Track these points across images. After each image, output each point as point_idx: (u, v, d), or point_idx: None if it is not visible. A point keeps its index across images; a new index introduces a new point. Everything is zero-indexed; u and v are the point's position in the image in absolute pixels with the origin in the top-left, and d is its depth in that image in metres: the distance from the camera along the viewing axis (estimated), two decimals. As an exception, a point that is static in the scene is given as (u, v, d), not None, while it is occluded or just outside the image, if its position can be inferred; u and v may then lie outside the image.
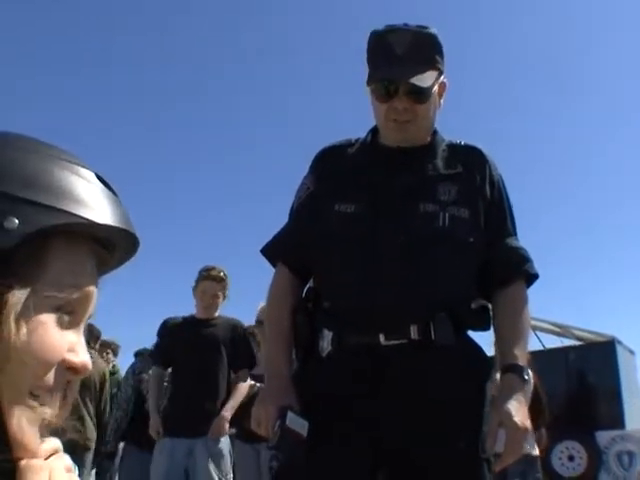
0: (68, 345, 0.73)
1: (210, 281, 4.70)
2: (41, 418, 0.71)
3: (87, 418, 5.81)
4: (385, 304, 2.02)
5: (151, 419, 4.61)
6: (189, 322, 4.79)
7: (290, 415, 1.99)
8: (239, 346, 4.68)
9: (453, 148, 2.25)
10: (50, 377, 0.71)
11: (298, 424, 1.99)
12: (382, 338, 2.01)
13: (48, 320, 0.71)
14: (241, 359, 4.67)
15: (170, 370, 4.76)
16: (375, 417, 1.99)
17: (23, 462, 0.68)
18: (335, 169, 2.26)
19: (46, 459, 0.71)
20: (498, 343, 2.18)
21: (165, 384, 4.86)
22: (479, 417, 2.04)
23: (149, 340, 6.06)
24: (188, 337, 4.65)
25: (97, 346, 6.53)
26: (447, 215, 2.09)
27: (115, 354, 7.78)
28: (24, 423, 0.69)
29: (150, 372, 5.40)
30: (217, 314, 4.80)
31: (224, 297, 4.79)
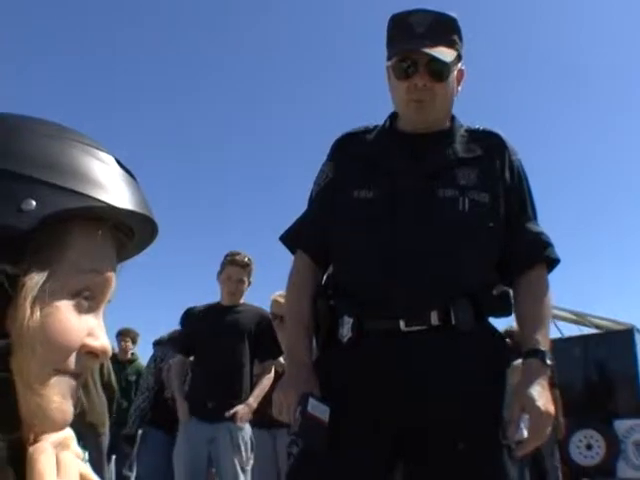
0: (87, 330, 0.73)
1: (235, 266, 4.65)
2: (62, 404, 0.71)
3: (96, 402, 5.83)
4: (405, 290, 2.01)
5: (178, 406, 4.57)
6: (213, 309, 4.75)
7: (311, 401, 1.99)
8: (265, 335, 4.63)
9: (472, 133, 2.24)
10: (71, 362, 0.71)
11: (319, 410, 1.99)
12: (402, 324, 2.01)
13: (66, 305, 0.70)
14: (267, 349, 4.63)
15: (193, 358, 4.71)
16: (395, 403, 1.99)
17: (30, 449, 0.68)
18: (354, 156, 2.25)
19: (55, 447, 0.70)
20: (519, 329, 2.17)
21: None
22: (500, 403, 2.03)
23: (166, 328, 6.07)
24: (212, 324, 4.60)
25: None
26: (467, 200, 2.08)
27: (134, 342, 7.81)
28: (43, 407, 0.68)
29: (171, 360, 5.42)
30: (242, 301, 4.76)
31: (249, 283, 4.74)
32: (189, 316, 4.85)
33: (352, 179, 2.19)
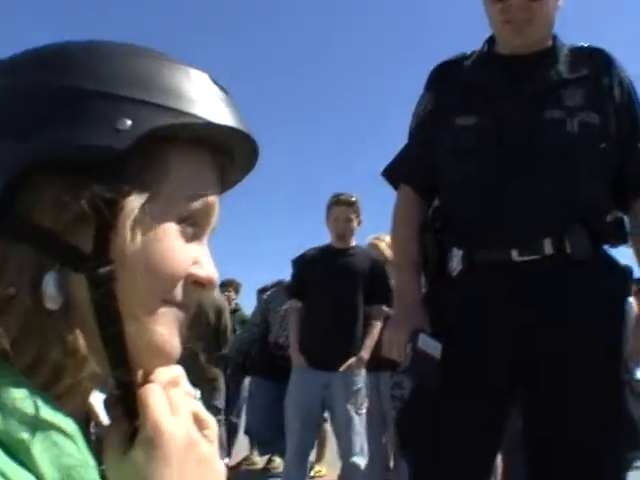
0: (193, 258, 0.70)
1: (341, 206, 4.56)
2: (168, 336, 0.68)
3: (200, 355, 5.95)
4: (516, 218, 1.94)
5: (292, 353, 4.59)
6: (325, 252, 4.67)
7: (422, 337, 1.96)
8: (377, 279, 4.53)
9: (576, 52, 2.13)
10: (177, 292, 0.68)
11: (431, 346, 1.95)
12: (515, 254, 1.94)
13: (170, 230, 0.67)
14: (378, 294, 4.51)
15: (307, 303, 4.62)
16: (510, 335, 1.93)
17: (141, 385, 0.66)
18: (453, 83, 2.17)
19: (165, 386, 0.68)
20: (636, 257, 2.06)
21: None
22: (620, 335, 1.95)
23: (269, 278, 6.11)
24: (325, 268, 4.55)
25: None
26: (575, 121, 1.98)
27: (237, 292, 7.94)
28: (149, 340, 0.66)
29: (282, 307, 5.45)
30: (354, 244, 4.67)
31: (358, 222, 4.64)
32: (302, 259, 4.79)
33: (453, 107, 2.11)
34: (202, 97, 0.69)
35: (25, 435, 0.55)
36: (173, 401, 0.66)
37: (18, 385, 0.58)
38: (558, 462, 1.93)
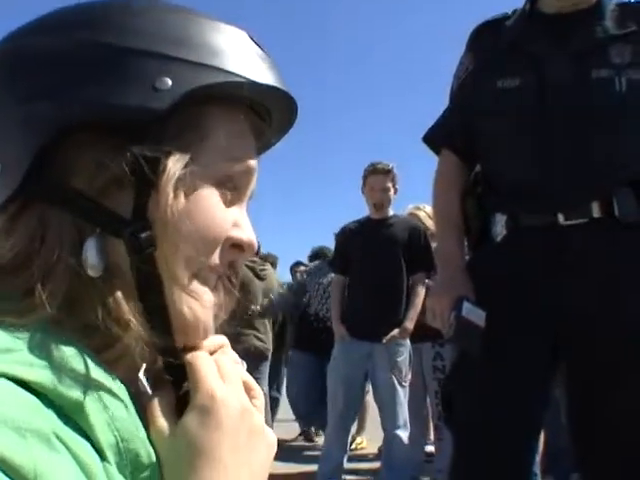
0: (233, 220, 0.69)
1: (377, 175, 4.50)
2: (209, 304, 0.67)
3: (269, 327, 5.98)
4: (563, 180, 1.88)
5: (335, 326, 4.56)
6: (364, 224, 4.63)
7: (466, 305, 1.92)
8: (417, 247, 4.47)
9: (624, 6, 2.04)
10: (216, 256, 0.67)
11: (475, 314, 1.91)
12: (561, 218, 1.89)
13: (210, 193, 0.66)
14: (419, 261, 4.47)
15: (349, 276, 4.61)
16: (556, 301, 1.89)
17: (188, 355, 0.65)
18: (494, 44, 2.10)
19: (211, 354, 0.67)
20: None
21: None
22: None
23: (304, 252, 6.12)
24: (364, 239, 4.51)
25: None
26: (624, 80, 1.91)
27: (274, 266, 7.95)
28: (191, 309, 0.65)
29: (326, 278, 5.44)
30: (392, 213, 4.61)
31: (395, 191, 4.57)
32: (342, 233, 4.76)
33: (495, 68, 2.05)
34: (242, 55, 0.67)
35: (78, 395, 0.54)
36: (222, 368, 0.65)
37: (69, 344, 0.57)
38: (601, 433, 1.89)
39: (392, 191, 4.55)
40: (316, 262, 6.05)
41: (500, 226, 1.98)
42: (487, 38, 2.15)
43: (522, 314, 1.92)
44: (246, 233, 0.69)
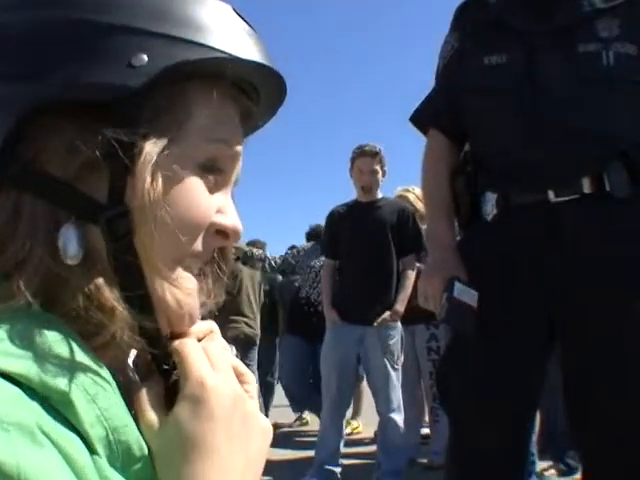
0: (217, 206, 0.65)
1: (365, 157, 4.48)
2: (192, 291, 0.64)
3: (257, 313, 5.97)
4: (552, 156, 1.86)
5: (325, 310, 4.56)
6: (353, 207, 4.61)
7: (458, 286, 1.90)
8: (406, 230, 4.46)
9: None
10: (199, 242, 0.64)
11: (467, 295, 1.89)
12: (552, 195, 1.87)
13: (192, 177, 0.63)
14: (408, 243, 4.47)
15: (339, 260, 4.61)
16: (550, 279, 1.87)
17: (176, 342, 0.63)
18: (479, 21, 2.08)
19: (199, 340, 0.65)
20: None
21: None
22: None
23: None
24: (353, 222, 4.49)
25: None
26: (611, 53, 1.88)
27: (263, 253, 7.94)
28: (174, 296, 0.62)
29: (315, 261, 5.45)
30: (381, 195, 4.60)
31: (383, 173, 4.55)
32: (331, 217, 4.74)
33: (481, 45, 2.02)
34: (225, 30, 0.64)
35: (65, 385, 0.51)
36: (211, 355, 0.63)
37: (54, 329, 0.54)
38: (596, 412, 1.88)
39: (380, 173, 4.53)
40: (311, 243, 6.02)
41: (490, 205, 1.96)
42: (472, 15, 2.12)
43: (515, 293, 1.90)
44: (230, 219, 0.66)
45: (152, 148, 0.59)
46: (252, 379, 0.67)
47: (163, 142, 0.60)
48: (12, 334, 0.52)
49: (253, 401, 0.64)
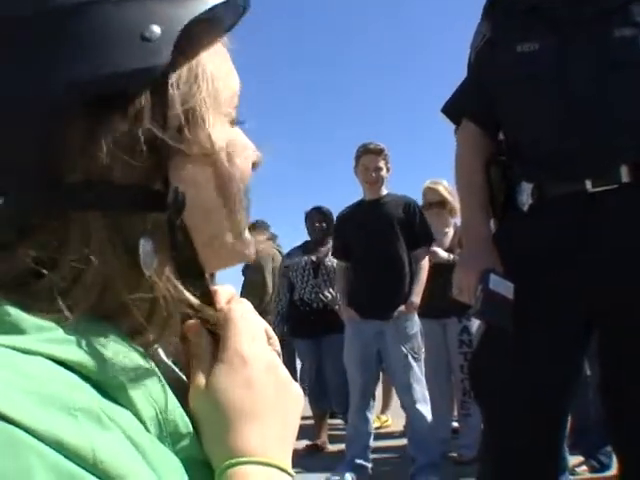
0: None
1: (370, 154, 4.52)
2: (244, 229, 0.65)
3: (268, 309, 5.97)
4: (589, 145, 1.82)
5: (343, 311, 4.62)
6: (359, 207, 4.67)
7: (493, 277, 1.87)
8: (414, 223, 4.49)
9: None
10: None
11: (503, 286, 1.87)
12: (589, 184, 1.83)
13: (231, 132, 0.62)
14: (418, 236, 4.48)
15: (351, 261, 4.63)
16: (588, 272, 1.84)
17: (226, 308, 0.63)
18: (510, 9, 2.04)
19: (228, 302, 0.66)
20: None
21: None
22: None
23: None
24: (361, 221, 4.53)
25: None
26: None
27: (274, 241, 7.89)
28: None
29: (297, 259, 5.49)
30: (386, 192, 4.61)
31: (388, 170, 4.58)
32: (339, 220, 4.83)
33: (512, 33, 1.99)
34: None
35: (115, 370, 0.51)
36: (251, 322, 0.63)
37: (98, 321, 0.54)
38: (633, 405, 1.85)
39: (385, 170, 4.57)
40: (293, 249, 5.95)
41: (526, 195, 1.93)
42: (503, 4, 2.08)
43: (552, 286, 1.87)
44: (256, 151, 0.66)
45: (192, 128, 0.57)
46: (276, 340, 0.67)
47: (196, 111, 0.58)
48: (62, 324, 0.51)
49: (284, 368, 0.64)
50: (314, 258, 5.44)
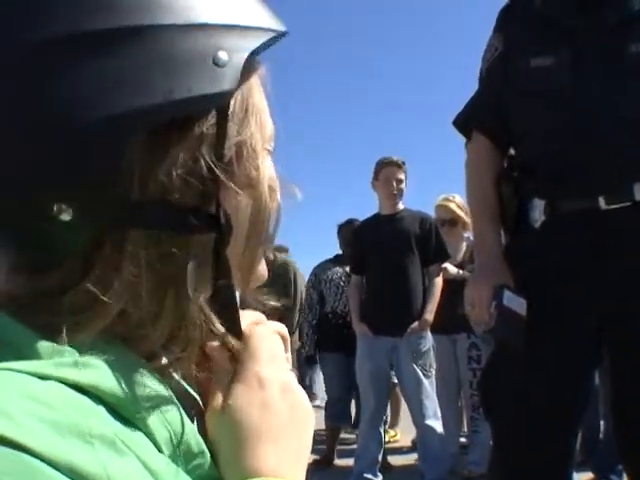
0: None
1: (392, 166, 4.56)
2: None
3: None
4: (603, 162, 1.81)
5: (355, 326, 4.60)
6: (374, 221, 4.69)
7: (507, 294, 1.86)
8: (429, 239, 4.50)
9: None
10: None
11: (516, 303, 1.86)
12: (602, 202, 1.82)
13: (269, 163, 0.63)
14: (432, 253, 4.50)
15: (365, 275, 4.65)
16: (599, 289, 1.83)
17: (248, 329, 0.63)
18: (523, 22, 2.03)
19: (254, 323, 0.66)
20: None
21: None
22: None
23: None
24: (375, 237, 4.55)
25: None
26: None
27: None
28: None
29: (329, 272, 5.45)
30: (402, 207, 4.63)
31: (405, 185, 4.62)
32: (354, 234, 4.85)
33: (526, 47, 1.98)
34: (257, 8, 0.60)
35: (129, 393, 0.51)
36: (271, 345, 0.64)
37: (113, 344, 0.54)
38: None
39: (404, 184, 4.60)
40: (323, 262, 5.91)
41: (538, 211, 1.92)
42: (516, 17, 2.08)
43: (564, 302, 1.86)
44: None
45: (245, 159, 0.58)
46: (289, 363, 0.67)
47: (253, 131, 0.59)
48: (76, 347, 0.51)
49: (300, 388, 0.64)
50: (348, 270, 5.30)
